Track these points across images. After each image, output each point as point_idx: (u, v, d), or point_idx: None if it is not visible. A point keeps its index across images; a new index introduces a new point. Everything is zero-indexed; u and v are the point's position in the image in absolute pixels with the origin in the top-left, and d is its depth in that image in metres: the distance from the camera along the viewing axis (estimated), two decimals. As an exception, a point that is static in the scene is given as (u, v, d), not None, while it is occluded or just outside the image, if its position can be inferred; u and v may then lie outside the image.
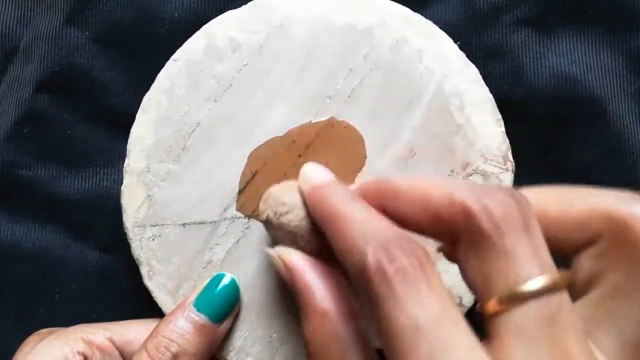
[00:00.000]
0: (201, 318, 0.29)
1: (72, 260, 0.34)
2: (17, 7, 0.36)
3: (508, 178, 0.31)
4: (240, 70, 0.31)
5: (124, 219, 0.31)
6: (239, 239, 0.30)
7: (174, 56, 0.31)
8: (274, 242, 0.25)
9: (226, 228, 0.30)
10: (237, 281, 0.30)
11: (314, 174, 0.25)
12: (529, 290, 0.20)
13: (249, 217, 0.30)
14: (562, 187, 0.24)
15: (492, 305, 0.20)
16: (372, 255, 0.20)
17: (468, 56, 0.31)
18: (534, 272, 0.20)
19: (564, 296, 0.20)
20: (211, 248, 0.30)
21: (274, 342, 0.30)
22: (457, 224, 0.21)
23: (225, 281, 0.30)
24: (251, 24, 0.31)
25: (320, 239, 0.24)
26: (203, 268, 0.30)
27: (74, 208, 0.34)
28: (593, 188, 0.23)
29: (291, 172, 0.30)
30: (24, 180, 0.34)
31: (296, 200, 0.25)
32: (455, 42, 0.31)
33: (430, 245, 0.23)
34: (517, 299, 0.20)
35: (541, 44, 0.34)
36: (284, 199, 0.25)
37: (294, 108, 0.31)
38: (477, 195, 0.21)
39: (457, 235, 0.21)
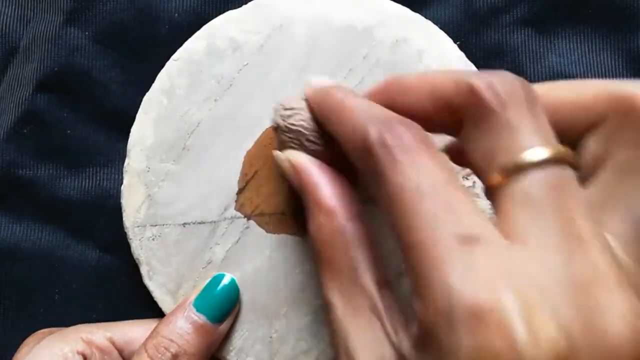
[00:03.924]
0: (201, 318, 0.29)
1: (72, 260, 0.34)
2: (17, 7, 0.36)
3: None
4: (241, 70, 0.31)
5: (124, 219, 0.31)
6: (238, 239, 0.30)
7: (174, 56, 0.31)
8: (283, 148, 0.26)
9: (226, 228, 0.30)
10: (236, 281, 0.30)
11: (318, 80, 0.26)
12: (531, 160, 0.20)
13: (248, 217, 0.30)
14: (569, 80, 0.24)
15: (495, 177, 0.20)
16: (374, 131, 0.21)
17: (468, 56, 0.31)
18: (536, 143, 0.20)
19: (569, 171, 0.20)
20: (211, 248, 0.30)
21: (274, 342, 0.30)
22: (463, 103, 0.21)
23: (225, 281, 0.30)
24: (251, 24, 0.31)
25: (326, 142, 0.25)
26: (203, 268, 0.30)
27: (74, 208, 0.34)
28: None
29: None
30: (24, 180, 0.34)
31: (302, 105, 0.26)
32: (455, 42, 0.31)
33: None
34: (520, 168, 0.20)
35: (541, 44, 0.34)
36: (291, 105, 0.26)
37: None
38: (482, 75, 0.21)
39: (463, 118, 0.21)
